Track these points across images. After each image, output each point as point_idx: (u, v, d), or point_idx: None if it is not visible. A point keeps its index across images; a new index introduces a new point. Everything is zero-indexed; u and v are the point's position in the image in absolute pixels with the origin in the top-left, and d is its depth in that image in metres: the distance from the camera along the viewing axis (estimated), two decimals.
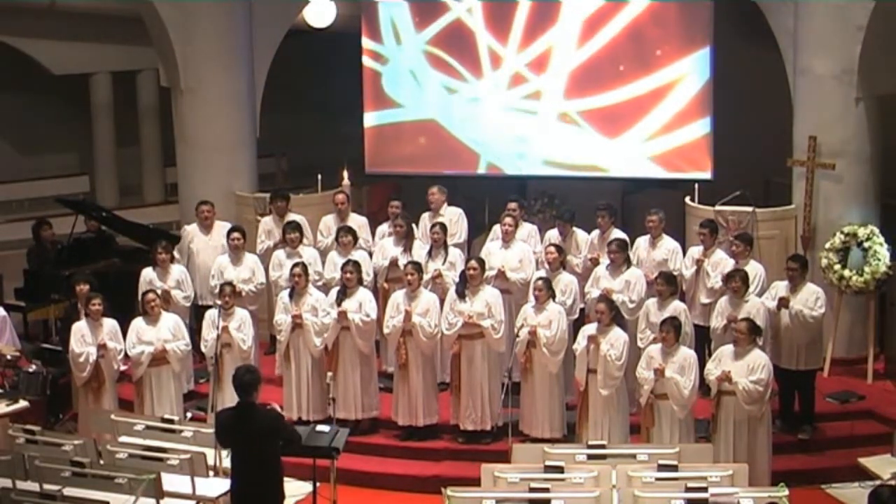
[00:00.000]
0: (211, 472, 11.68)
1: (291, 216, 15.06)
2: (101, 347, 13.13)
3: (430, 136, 16.93)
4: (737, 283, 13.12)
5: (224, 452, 11.69)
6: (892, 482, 11.07)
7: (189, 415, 13.70)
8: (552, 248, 13.79)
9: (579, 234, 14.57)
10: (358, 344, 13.45)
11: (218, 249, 14.96)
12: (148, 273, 14.48)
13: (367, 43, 17.01)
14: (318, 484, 11.49)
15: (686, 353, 12.29)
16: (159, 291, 13.79)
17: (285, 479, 10.70)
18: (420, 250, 14.47)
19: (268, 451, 10.43)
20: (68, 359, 13.31)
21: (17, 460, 11.32)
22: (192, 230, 15.41)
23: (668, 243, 14.22)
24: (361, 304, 13.45)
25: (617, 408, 12.62)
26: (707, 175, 16.00)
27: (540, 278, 13.29)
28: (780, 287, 13.41)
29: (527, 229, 14.73)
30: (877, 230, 14.43)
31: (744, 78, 16.63)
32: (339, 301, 13.46)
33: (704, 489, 10.48)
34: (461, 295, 13.31)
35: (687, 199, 15.24)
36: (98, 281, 14.04)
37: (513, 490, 10.74)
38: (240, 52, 16.57)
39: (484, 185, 17.19)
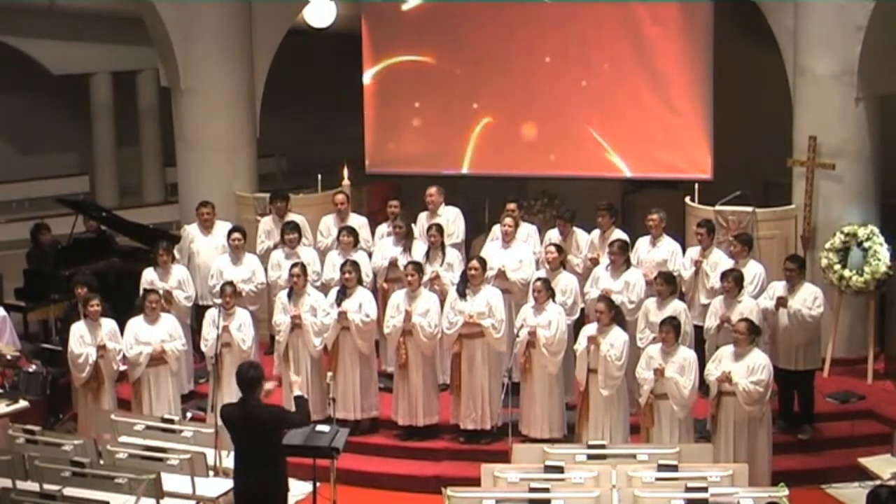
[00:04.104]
0: (211, 472, 11.69)
1: (291, 216, 15.06)
2: (101, 348, 13.14)
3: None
4: (729, 282, 13.12)
5: (224, 452, 11.72)
6: (892, 482, 11.08)
7: (189, 415, 13.71)
8: (552, 248, 13.79)
9: (579, 233, 14.57)
10: (358, 344, 13.46)
11: (218, 250, 14.95)
12: (149, 273, 14.48)
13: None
14: (318, 484, 11.49)
15: (686, 353, 12.29)
16: (161, 292, 13.80)
17: None
18: (420, 250, 14.46)
19: (273, 446, 10.45)
20: (68, 359, 13.32)
21: (17, 460, 11.32)
22: (192, 230, 15.41)
23: (668, 243, 14.22)
24: (361, 304, 13.45)
25: (617, 408, 12.62)
26: (707, 175, 16.00)
27: (539, 279, 13.29)
28: (778, 287, 13.41)
29: (526, 229, 14.73)
30: (877, 230, 14.44)
31: (744, 78, 16.64)
32: (338, 301, 13.47)
33: (704, 489, 10.49)
34: (462, 294, 13.31)
35: (687, 199, 15.24)
36: (98, 281, 14.05)
37: (513, 490, 10.75)
38: (240, 52, 16.58)
39: (484, 185, 17.19)
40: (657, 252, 14.16)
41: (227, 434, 10.81)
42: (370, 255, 14.77)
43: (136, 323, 13.30)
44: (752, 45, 16.35)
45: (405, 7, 16.92)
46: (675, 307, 13.00)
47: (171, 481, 11.21)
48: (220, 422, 10.97)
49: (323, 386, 13.13)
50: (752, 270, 13.63)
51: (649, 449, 11.68)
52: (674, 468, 10.99)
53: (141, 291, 14.13)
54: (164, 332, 13.29)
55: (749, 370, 12.03)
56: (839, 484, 12.80)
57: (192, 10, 16.24)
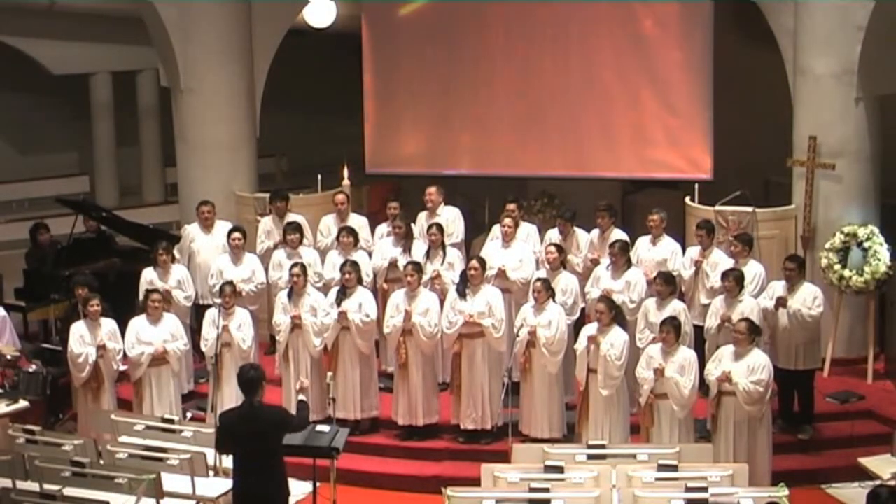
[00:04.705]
0: (211, 472, 11.69)
1: (291, 216, 15.06)
2: (101, 348, 13.14)
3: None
4: (730, 282, 13.13)
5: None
6: (892, 482, 11.08)
7: (189, 415, 13.71)
8: (552, 248, 13.80)
9: (580, 233, 14.57)
10: (358, 344, 13.46)
11: (219, 249, 14.96)
12: (149, 273, 14.49)
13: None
14: (318, 484, 11.50)
15: (686, 353, 12.29)
16: (161, 291, 13.79)
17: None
18: (420, 250, 14.46)
19: (275, 448, 10.46)
20: (68, 359, 13.31)
21: (17, 460, 11.33)
22: (192, 230, 15.41)
23: (668, 243, 14.22)
24: (361, 304, 13.45)
25: (617, 408, 12.62)
26: (707, 175, 16.01)
27: (539, 279, 13.30)
28: (778, 287, 13.42)
29: (526, 229, 14.74)
30: (877, 230, 14.44)
31: (744, 78, 16.64)
32: (338, 301, 13.47)
33: (704, 489, 10.49)
34: (462, 294, 13.31)
35: (687, 199, 15.24)
36: (98, 281, 14.06)
37: (513, 490, 10.75)
38: (240, 52, 16.58)
39: (484, 185, 17.19)
40: (657, 252, 14.16)
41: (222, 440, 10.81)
42: (370, 255, 14.77)
43: (138, 323, 13.30)
44: (752, 45, 16.35)
45: (405, 8, 16.93)
46: (675, 307, 13.00)
47: (171, 481, 11.22)
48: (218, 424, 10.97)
49: (323, 386, 13.12)
50: (752, 270, 13.63)
51: (649, 449, 11.68)
52: (674, 468, 10.99)
53: (140, 291, 14.14)
54: (167, 333, 13.29)
55: (749, 370, 12.03)
56: (839, 484, 12.80)
57: (192, 10, 16.24)
